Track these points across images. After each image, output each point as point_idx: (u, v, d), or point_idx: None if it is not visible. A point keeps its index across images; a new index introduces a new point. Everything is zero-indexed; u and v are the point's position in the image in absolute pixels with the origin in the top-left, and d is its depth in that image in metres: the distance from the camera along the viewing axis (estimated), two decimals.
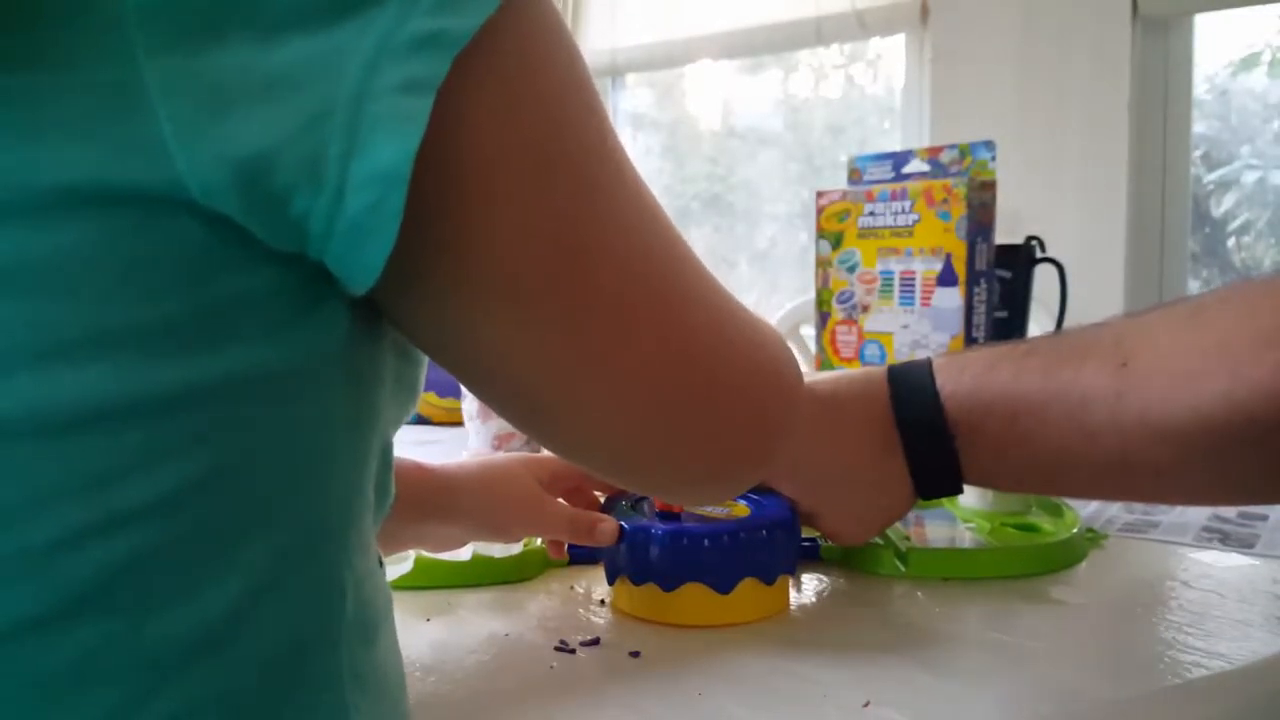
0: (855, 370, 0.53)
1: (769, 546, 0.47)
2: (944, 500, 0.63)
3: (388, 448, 0.31)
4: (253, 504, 0.24)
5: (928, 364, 0.50)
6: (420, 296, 0.26)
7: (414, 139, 0.22)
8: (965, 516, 0.60)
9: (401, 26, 0.23)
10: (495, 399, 0.31)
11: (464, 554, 0.53)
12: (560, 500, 0.51)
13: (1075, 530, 0.55)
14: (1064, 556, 0.53)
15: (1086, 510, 0.62)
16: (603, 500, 0.54)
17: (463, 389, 0.82)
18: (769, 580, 0.47)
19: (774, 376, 0.34)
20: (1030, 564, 0.52)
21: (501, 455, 0.55)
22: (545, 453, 0.54)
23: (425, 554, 0.52)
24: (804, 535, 0.57)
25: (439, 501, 0.48)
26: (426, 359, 0.31)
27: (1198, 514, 0.60)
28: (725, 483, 0.36)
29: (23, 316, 0.21)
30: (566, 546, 0.55)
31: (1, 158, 0.20)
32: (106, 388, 0.21)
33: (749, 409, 0.33)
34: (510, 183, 0.25)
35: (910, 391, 0.49)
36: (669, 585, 0.46)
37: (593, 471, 0.43)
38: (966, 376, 0.48)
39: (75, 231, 0.21)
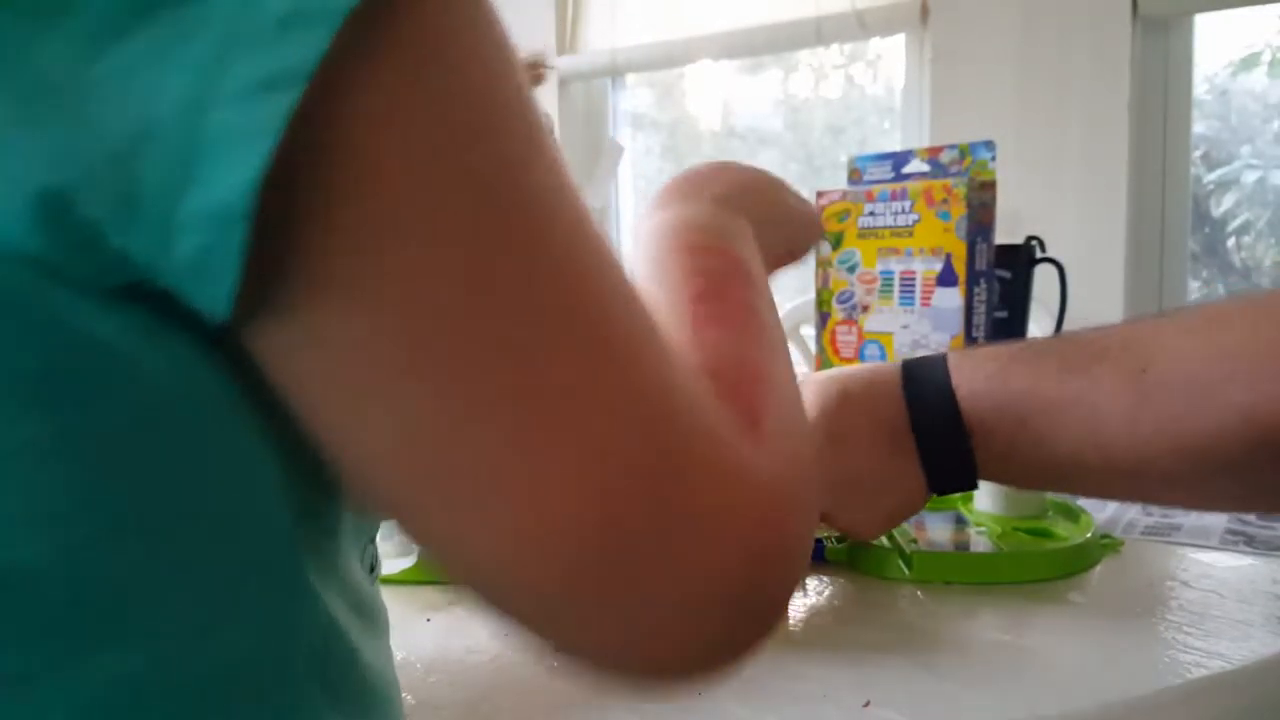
0: (862, 367, 0.52)
1: None
2: (958, 502, 0.63)
3: None
4: (168, 551, 0.21)
5: (942, 361, 0.49)
6: (280, 335, 0.20)
7: (258, 159, 0.17)
8: (977, 519, 0.60)
9: (259, 4, 0.18)
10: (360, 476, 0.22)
11: None
12: None
13: (1088, 536, 0.55)
14: (1074, 563, 0.53)
15: (1105, 514, 0.62)
16: None
17: None
18: None
19: (780, 503, 0.24)
20: (1038, 570, 0.52)
21: None
22: None
23: None
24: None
25: None
26: None
27: (1218, 517, 0.60)
28: (673, 675, 0.24)
29: None
30: None
31: None
32: None
33: (735, 558, 0.22)
34: (400, 207, 0.19)
35: (926, 391, 0.48)
36: None
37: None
38: (981, 376, 0.47)
39: None
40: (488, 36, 0.22)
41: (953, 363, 0.48)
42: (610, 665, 0.24)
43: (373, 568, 0.31)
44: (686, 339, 0.28)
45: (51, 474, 0.19)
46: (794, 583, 0.25)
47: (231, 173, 0.18)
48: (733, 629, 0.23)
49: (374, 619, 0.29)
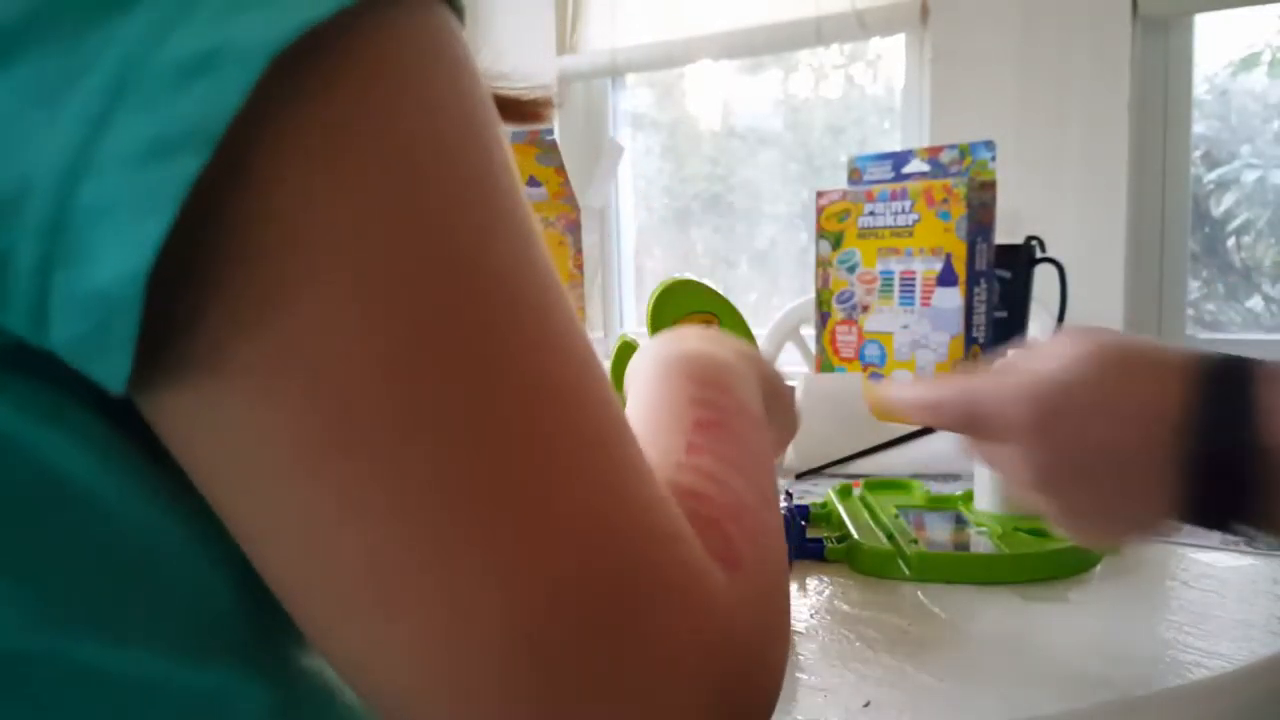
0: (1147, 341, 0.42)
1: None
2: (958, 502, 0.63)
3: None
4: (97, 634, 0.19)
5: (1253, 370, 0.38)
6: (175, 407, 0.18)
7: (150, 241, 0.15)
8: (978, 519, 0.60)
9: (160, 43, 0.14)
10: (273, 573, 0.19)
11: None
12: None
13: None
14: (1074, 563, 0.53)
15: None
16: None
17: None
18: None
19: (751, 635, 0.21)
20: (1038, 570, 0.52)
21: None
22: None
23: None
24: (810, 536, 0.57)
25: None
26: None
27: None
28: None
29: None
30: None
31: None
32: None
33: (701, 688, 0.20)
34: (319, 287, 0.16)
35: (1226, 402, 0.39)
36: None
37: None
38: None
39: None
40: (449, 76, 0.18)
41: (1266, 375, 0.39)
42: None
43: None
44: (678, 460, 0.26)
45: None
46: (766, 712, 0.22)
47: (117, 255, 0.15)
48: None
49: None
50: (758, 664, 0.21)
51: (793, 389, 0.45)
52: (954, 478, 0.72)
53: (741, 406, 0.31)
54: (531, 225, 0.19)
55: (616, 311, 2.16)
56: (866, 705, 0.38)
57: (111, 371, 0.16)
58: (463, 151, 0.18)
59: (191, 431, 0.18)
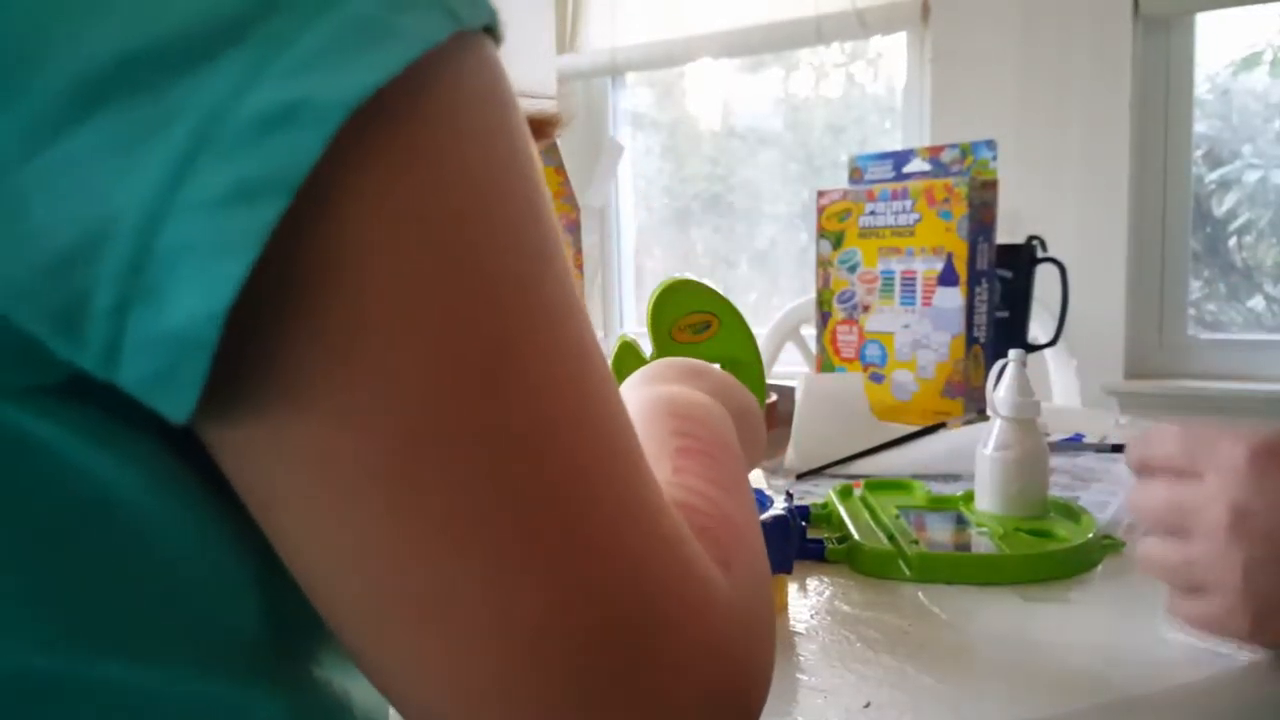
0: None
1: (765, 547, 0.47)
2: (959, 502, 0.63)
3: None
4: (121, 656, 0.19)
5: None
6: (239, 436, 0.19)
7: (229, 283, 0.15)
8: (978, 519, 0.59)
9: (243, 96, 0.15)
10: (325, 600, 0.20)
11: None
12: None
13: (1089, 536, 0.55)
14: (1075, 563, 0.53)
15: (1104, 515, 0.62)
16: None
17: None
18: None
19: (749, 637, 0.23)
20: (1039, 571, 0.52)
21: None
22: None
23: None
24: (810, 536, 0.57)
25: None
26: None
27: None
28: None
29: None
30: None
31: None
32: None
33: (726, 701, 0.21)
34: (390, 323, 0.17)
35: None
36: None
37: None
38: None
39: None
40: (500, 114, 0.19)
41: None
42: None
43: None
44: (666, 479, 0.28)
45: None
46: (756, 713, 0.23)
47: (195, 295, 0.15)
48: None
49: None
50: (748, 664, 0.23)
51: (764, 408, 0.47)
52: (954, 478, 0.72)
53: (718, 438, 0.33)
54: (564, 262, 0.21)
55: (616, 311, 2.16)
56: (867, 706, 0.38)
57: (177, 405, 0.17)
58: (515, 188, 0.19)
59: (251, 454, 0.18)
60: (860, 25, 1.87)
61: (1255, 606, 0.37)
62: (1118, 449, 0.80)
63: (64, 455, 0.18)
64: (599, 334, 1.96)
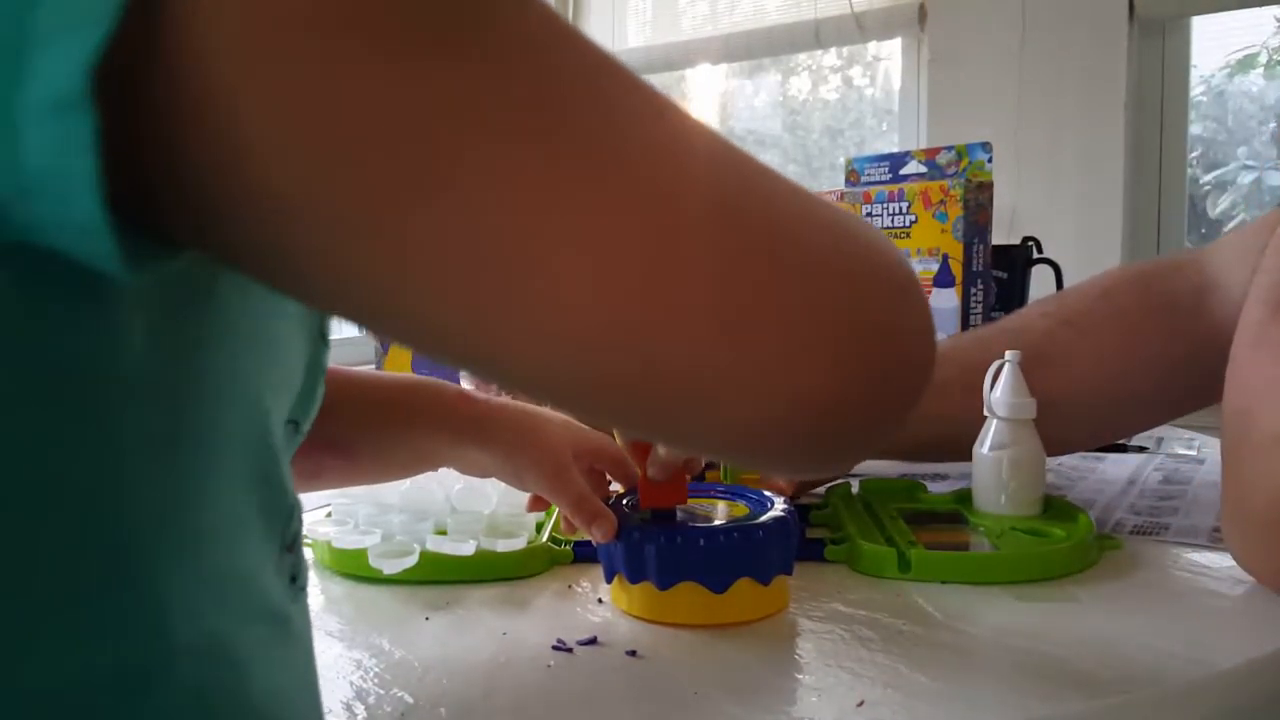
0: None
1: (765, 547, 0.47)
2: (956, 501, 0.63)
3: (267, 446, 0.26)
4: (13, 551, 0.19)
5: None
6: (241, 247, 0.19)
7: (93, 35, 0.16)
8: (975, 519, 0.60)
9: None
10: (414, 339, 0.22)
11: (467, 548, 0.53)
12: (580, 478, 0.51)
13: (1086, 536, 0.55)
14: (1072, 563, 0.53)
15: (1092, 513, 0.62)
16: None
17: None
18: (764, 580, 0.47)
19: (884, 268, 0.24)
20: (1036, 570, 0.52)
21: (544, 410, 0.56)
22: (574, 422, 0.55)
23: (429, 549, 0.52)
24: (809, 536, 0.57)
25: (476, 428, 0.50)
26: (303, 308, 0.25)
27: (1205, 516, 0.60)
28: (819, 433, 0.23)
29: None
30: (573, 545, 0.55)
31: None
32: None
33: (848, 297, 0.22)
34: (279, 49, 0.17)
35: None
36: (664, 584, 0.46)
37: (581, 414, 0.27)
38: None
39: None
40: None
41: None
42: (758, 414, 0.22)
43: (294, 577, 0.28)
44: None
45: None
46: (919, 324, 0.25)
47: (62, 56, 0.16)
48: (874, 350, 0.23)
49: (285, 628, 0.27)
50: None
51: None
52: (953, 478, 0.72)
53: None
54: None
55: None
56: (860, 704, 0.38)
57: (84, 197, 0.17)
58: None
59: (283, 224, 0.18)
60: (858, 29, 1.88)
61: None
62: (1105, 449, 0.81)
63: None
64: None
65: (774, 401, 0.22)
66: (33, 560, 0.19)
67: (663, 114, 0.21)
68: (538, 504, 0.55)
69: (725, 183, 0.22)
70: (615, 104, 0.21)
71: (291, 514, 0.27)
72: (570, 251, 0.19)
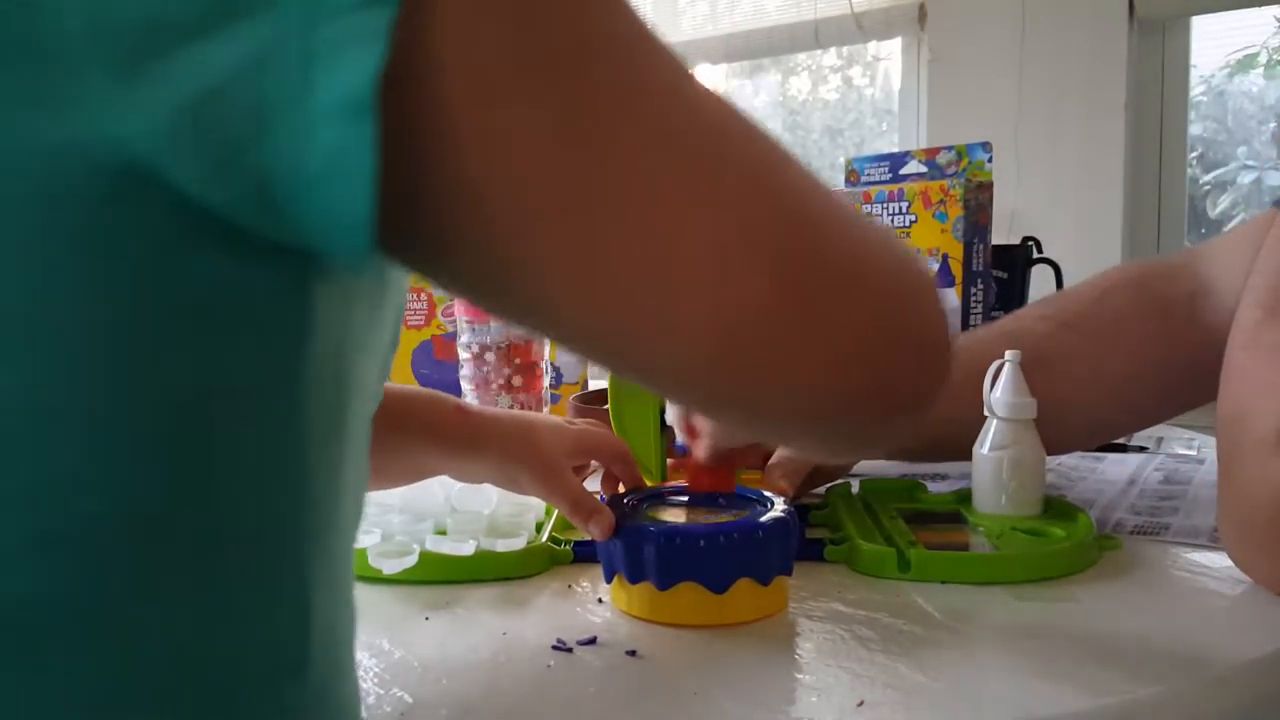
0: None
1: (765, 548, 0.47)
2: (955, 501, 0.63)
3: (368, 439, 0.28)
4: (206, 527, 0.21)
5: None
6: (434, 246, 0.22)
7: (374, 55, 0.18)
8: (975, 519, 0.60)
9: None
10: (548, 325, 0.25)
11: (467, 548, 0.53)
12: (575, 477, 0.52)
13: (1086, 536, 0.55)
14: (1072, 563, 0.53)
15: (1093, 513, 0.62)
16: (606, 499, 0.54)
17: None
18: (764, 581, 0.47)
19: (912, 276, 0.27)
20: (1035, 570, 0.52)
21: (539, 414, 0.57)
22: (579, 422, 0.55)
23: (429, 549, 0.52)
24: (809, 536, 0.57)
25: (470, 440, 0.51)
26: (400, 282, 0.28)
27: (1206, 517, 0.60)
28: (872, 403, 0.26)
29: None
30: (573, 545, 0.55)
31: None
32: (47, 386, 0.19)
33: (892, 291, 0.26)
34: (497, 83, 0.21)
35: None
36: (664, 584, 0.46)
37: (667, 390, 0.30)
38: None
39: (13, 208, 0.18)
40: None
41: None
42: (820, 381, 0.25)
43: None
44: None
45: (117, 431, 0.20)
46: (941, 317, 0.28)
47: (351, 70, 0.19)
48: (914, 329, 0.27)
49: (350, 628, 0.28)
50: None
51: None
52: (952, 478, 0.72)
53: None
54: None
55: None
56: (860, 704, 0.38)
57: (359, 194, 0.19)
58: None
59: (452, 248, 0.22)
60: (858, 29, 1.88)
61: None
62: (1105, 449, 0.81)
63: (240, 313, 0.21)
64: None
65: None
66: (235, 539, 0.22)
67: (753, 133, 0.25)
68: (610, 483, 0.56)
69: (800, 192, 0.25)
70: (726, 128, 0.25)
71: (366, 477, 0.29)
72: (695, 247, 0.23)
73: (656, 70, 0.23)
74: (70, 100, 0.18)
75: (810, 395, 0.25)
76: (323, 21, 0.18)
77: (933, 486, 0.68)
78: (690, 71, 0.25)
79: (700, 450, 0.51)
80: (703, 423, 0.50)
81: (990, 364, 0.59)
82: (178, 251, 0.20)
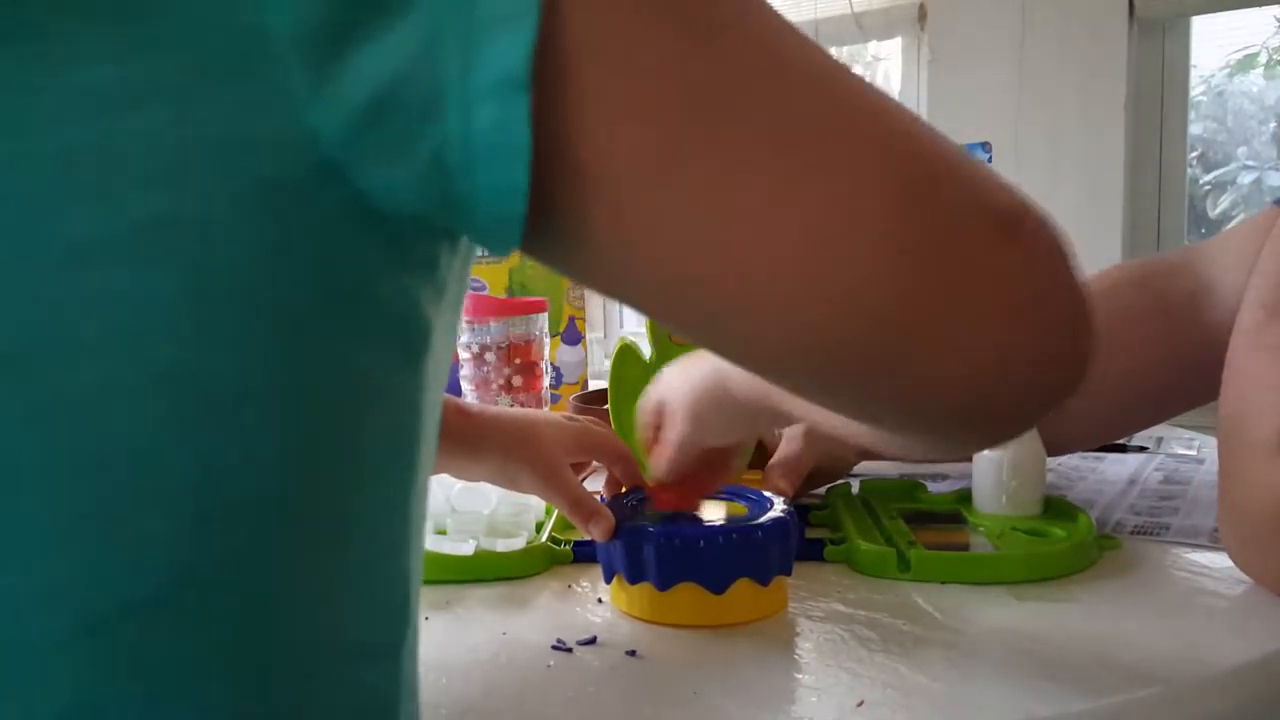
0: None
1: (764, 548, 0.47)
2: (956, 502, 0.63)
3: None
4: (340, 507, 0.23)
5: None
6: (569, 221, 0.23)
7: (528, 32, 0.20)
8: (975, 519, 0.60)
9: None
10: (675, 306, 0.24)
11: (467, 548, 0.53)
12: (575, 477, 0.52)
13: (1086, 536, 0.55)
14: (1072, 563, 0.53)
15: (1093, 514, 0.62)
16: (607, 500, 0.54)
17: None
18: (764, 581, 0.47)
19: (1050, 237, 0.25)
20: (1035, 570, 0.52)
21: (539, 412, 0.56)
22: (579, 419, 0.55)
23: (429, 549, 0.52)
24: (809, 536, 0.57)
25: (470, 440, 0.51)
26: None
27: (1206, 517, 0.60)
28: (1025, 387, 0.25)
29: (172, 283, 0.19)
30: (573, 545, 0.55)
31: (125, 119, 0.19)
32: (252, 369, 0.20)
33: (1030, 262, 0.24)
34: (631, 53, 0.21)
35: None
36: (663, 585, 0.46)
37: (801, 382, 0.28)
38: None
39: (206, 197, 0.19)
40: None
41: None
42: (950, 382, 0.24)
43: None
44: None
45: (283, 408, 0.21)
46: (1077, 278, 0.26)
47: (506, 49, 0.20)
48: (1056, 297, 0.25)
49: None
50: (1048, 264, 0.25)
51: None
52: (952, 478, 0.72)
53: None
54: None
55: (617, 313, 2.17)
56: (860, 705, 0.38)
57: (518, 165, 0.20)
58: None
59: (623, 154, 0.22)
60: (858, 29, 1.88)
61: None
62: (1105, 449, 0.81)
63: (399, 304, 0.23)
64: (599, 335, 1.95)
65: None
66: (363, 524, 0.23)
67: (877, 98, 0.24)
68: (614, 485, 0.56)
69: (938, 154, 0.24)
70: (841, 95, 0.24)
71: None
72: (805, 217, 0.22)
73: (804, 63, 0.23)
74: (279, 100, 0.19)
75: (959, 378, 0.24)
76: (478, 3, 0.20)
77: (933, 486, 0.68)
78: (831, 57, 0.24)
79: (659, 466, 0.49)
80: (672, 433, 0.48)
81: None
82: (347, 243, 0.21)
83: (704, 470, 0.50)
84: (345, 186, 0.20)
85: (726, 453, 0.51)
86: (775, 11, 0.24)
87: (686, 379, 0.48)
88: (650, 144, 0.21)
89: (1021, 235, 0.24)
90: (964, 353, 0.23)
